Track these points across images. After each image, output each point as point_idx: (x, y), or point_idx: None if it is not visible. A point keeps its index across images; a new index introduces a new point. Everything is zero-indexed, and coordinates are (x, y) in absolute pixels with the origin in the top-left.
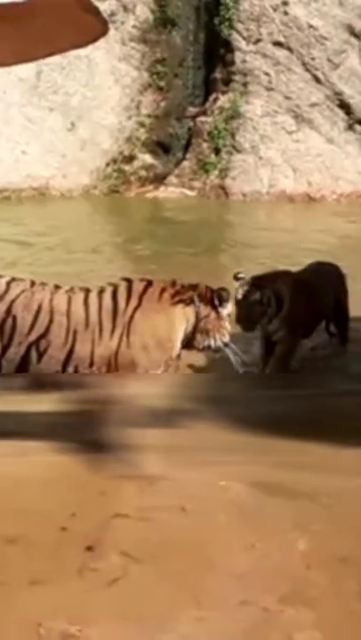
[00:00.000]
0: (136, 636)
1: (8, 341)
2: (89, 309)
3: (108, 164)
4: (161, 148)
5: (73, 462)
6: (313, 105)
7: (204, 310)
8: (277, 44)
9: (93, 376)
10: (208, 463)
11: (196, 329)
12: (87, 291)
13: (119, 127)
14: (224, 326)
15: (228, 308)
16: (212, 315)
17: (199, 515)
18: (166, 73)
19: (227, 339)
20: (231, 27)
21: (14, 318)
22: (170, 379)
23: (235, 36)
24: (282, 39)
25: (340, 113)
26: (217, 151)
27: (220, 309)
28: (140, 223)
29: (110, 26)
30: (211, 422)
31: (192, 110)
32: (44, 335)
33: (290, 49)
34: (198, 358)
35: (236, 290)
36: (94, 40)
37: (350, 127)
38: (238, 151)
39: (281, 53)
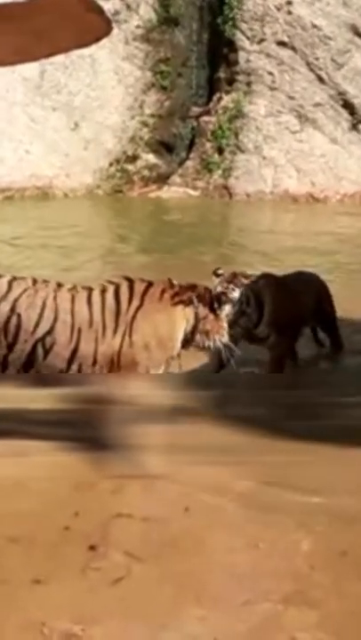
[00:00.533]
0: (139, 635)
1: (14, 339)
2: (92, 308)
3: (111, 164)
4: (164, 147)
5: (76, 461)
6: (317, 105)
7: (203, 311)
8: (281, 43)
9: (96, 375)
10: (211, 463)
11: (195, 329)
12: (90, 289)
13: (122, 127)
14: (223, 327)
15: (227, 310)
16: (211, 316)
17: (202, 514)
18: (170, 72)
19: (225, 339)
20: (235, 26)
21: (19, 316)
22: (171, 378)
23: (238, 35)
24: (286, 39)
25: (344, 113)
26: (220, 151)
27: (219, 311)
28: (143, 223)
29: (114, 25)
30: (213, 422)
31: (196, 110)
32: (49, 332)
33: (294, 49)
34: (199, 358)
35: (215, 287)
36: (98, 39)
37: (354, 127)
38: (242, 151)
39: (285, 53)
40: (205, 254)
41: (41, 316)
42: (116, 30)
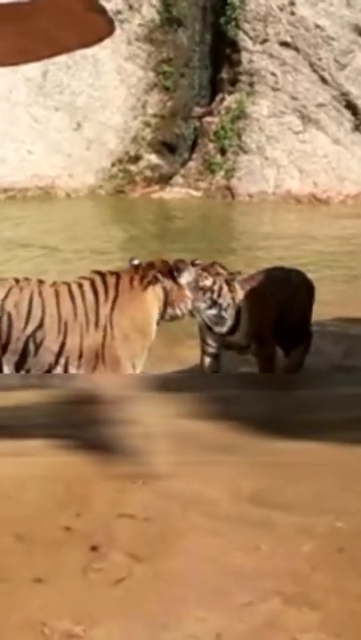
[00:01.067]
0: (140, 636)
1: (7, 339)
2: (75, 302)
3: (113, 164)
4: (167, 148)
5: (78, 462)
6: (319, 105)
7: (168, 284)
8: (284, 44)
9: (96, 375)
10: (212, 463)
11: (165, 304)
12: (68, 284)
13: (125, 127)
14: (186, 295)
15: (187, 277)
16: (175, 286)
17: (203, 515)
18: (172, 73)
19: (190, 306)
20: (238, 27)
21: (9, 315)
22: (171, 379)
23: (241, 36)
24: (289, 39)
25: (347, 114)
26: (223, 151)
27: (180, 280)
28: (145, 223)
29: (116, 25)
30: (215, 422)
31: (198, 110)
32: (39, 327)
33: (297, 49)
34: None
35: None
36: (100, 40)
37: (357, 128)
38: (244, 151)
39: (288, 54)
40: (207, 255)
41: (29, 312)
42: (118, 30)
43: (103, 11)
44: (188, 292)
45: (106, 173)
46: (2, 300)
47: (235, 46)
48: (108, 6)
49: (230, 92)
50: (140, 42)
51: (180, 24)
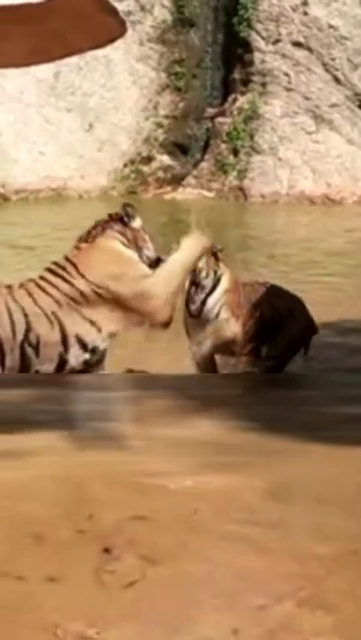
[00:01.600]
0: (154, 639)
1: (1, 356)
2: (49, 291)
3: (125, 165)
4: (179, 149)
5: (89, 463)
6: (333, 105)
7: (119, 228)
8: (297, 44)
9: (96, 375)
10: (222, 464)
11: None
12: (34, 281)
13: (137, 128)
14: (143, 236)
15: (138, 221)
16: (127, 230)
17: (216, 517)
18: (184, 74)
19: (152, 247)
20: (250, 27)
21: None
22: (172, 379)
23: (253, 36)
24: (301, 39)
25: None
26: (235, 152)
27: (132, 224)
28: (157, 224)
29: (128, 26)
30: (219, 423)
31: (210, 111)
32: (28, 330)
33: (310, 49)
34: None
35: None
36: (112, 41)
37: None
38: (257, 152)
39: (300, 54)
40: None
41: (12, 320)
42: (130, 31)
43: (115, 12)
44: (145, 235)
45: (118, 174)
46: None
47: (247, 46)
48: (120, 7)
49: (243, 93)
50: (152, 43)
51: (192, 25)
